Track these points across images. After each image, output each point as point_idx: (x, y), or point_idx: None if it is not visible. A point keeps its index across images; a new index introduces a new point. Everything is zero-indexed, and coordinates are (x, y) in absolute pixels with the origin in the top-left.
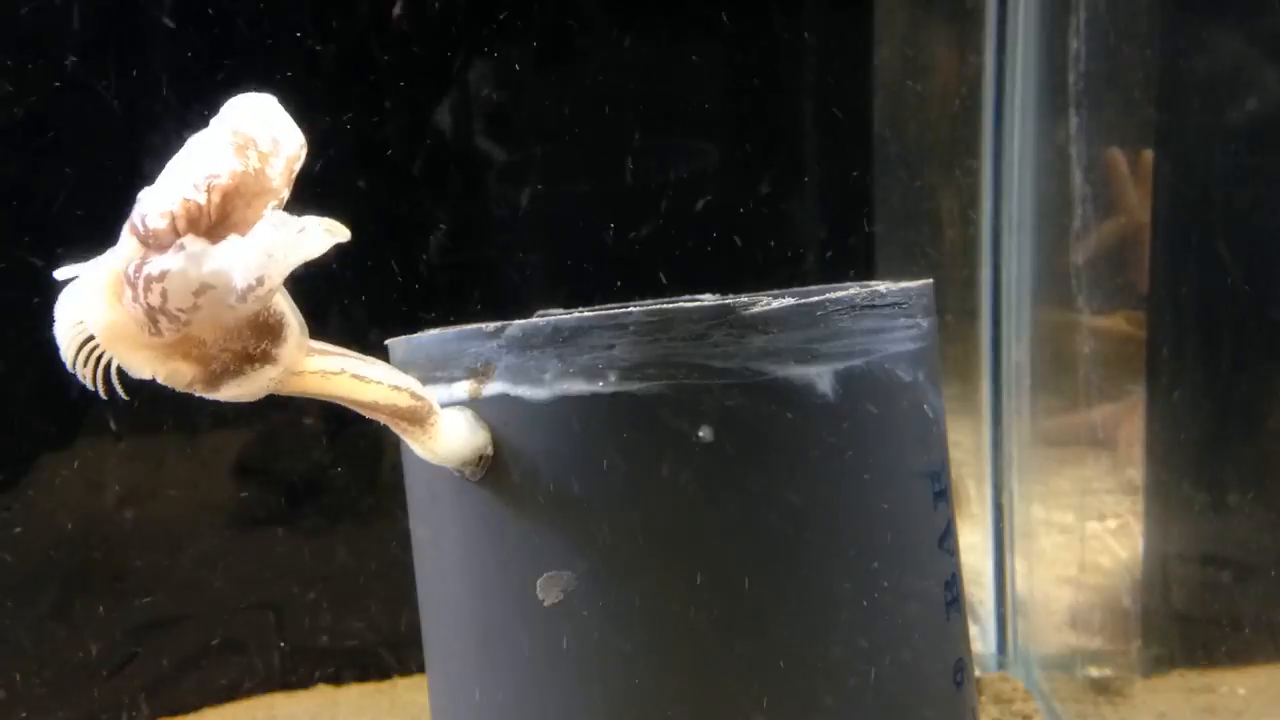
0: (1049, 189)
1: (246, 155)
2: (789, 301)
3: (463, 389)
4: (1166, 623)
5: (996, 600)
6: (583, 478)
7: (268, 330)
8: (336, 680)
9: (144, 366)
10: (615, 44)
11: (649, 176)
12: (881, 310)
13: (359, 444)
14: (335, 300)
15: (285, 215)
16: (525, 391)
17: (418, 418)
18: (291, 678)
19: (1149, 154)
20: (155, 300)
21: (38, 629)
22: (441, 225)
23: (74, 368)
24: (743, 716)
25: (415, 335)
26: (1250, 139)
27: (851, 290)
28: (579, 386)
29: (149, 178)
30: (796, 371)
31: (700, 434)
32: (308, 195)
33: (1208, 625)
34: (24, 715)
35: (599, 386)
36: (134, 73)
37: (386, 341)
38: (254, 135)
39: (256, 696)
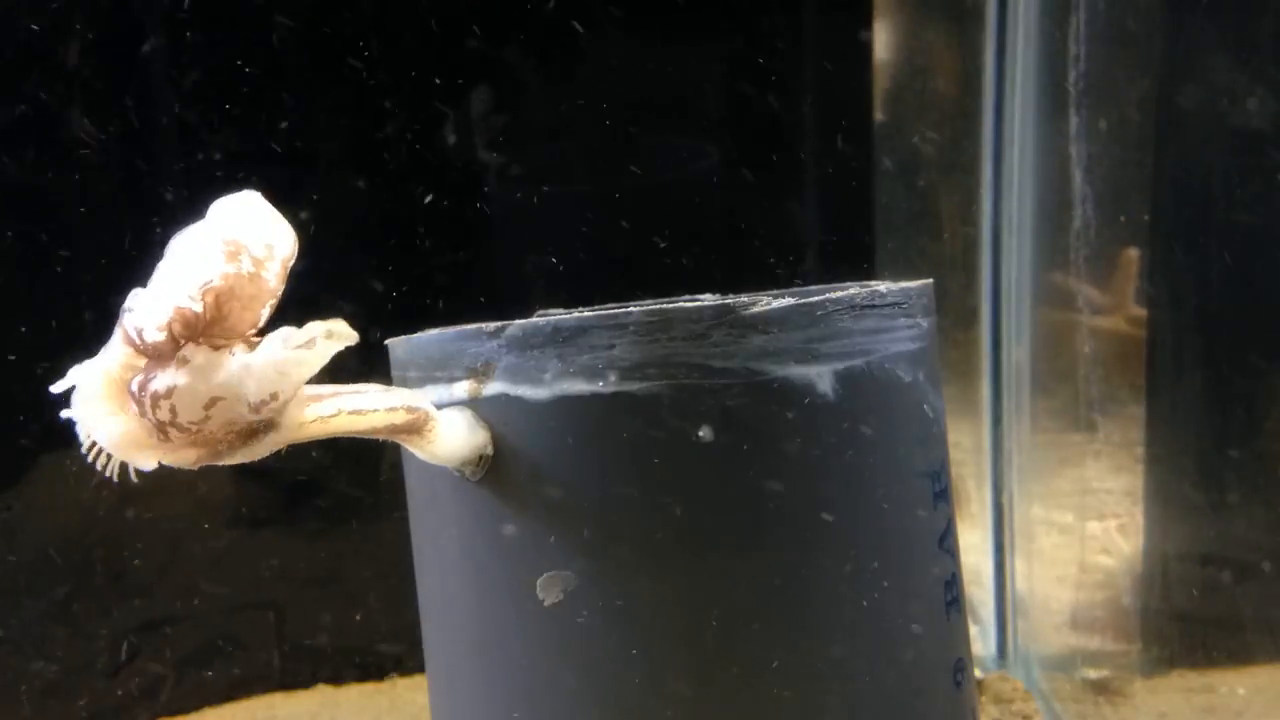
0: (1049, 189)
1: (240, 261)
2: (789, 301)
3: (462, 389)
4: (1166, 623)
5: (996, 600)
6: (583, 478)
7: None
8: (336, 680)
9: (154, 462)
10: (616, 44)
11: (649, 177)
12: (881, 310)
13: (359, 444)
14: (335, 300)
15: (292, 330)
16: (525, 391)
17: (415, 428)
18: (291, 678)
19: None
20: (165, 416)
21: (38, 629)
22: (441, 225)
23: (92, 462)
24: (743, 716)
25: (415, 335)
26: (1250, 139)
27: (851, 290)
28: (579, 386)
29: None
30: (796, 371)
31: (700, 434)
32: (308, 197)
33: (1208, 625)
34: (24, 715)
35: (599, 386)
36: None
37: (386, 341)
38: (246, 243)
39: (256, 696)
